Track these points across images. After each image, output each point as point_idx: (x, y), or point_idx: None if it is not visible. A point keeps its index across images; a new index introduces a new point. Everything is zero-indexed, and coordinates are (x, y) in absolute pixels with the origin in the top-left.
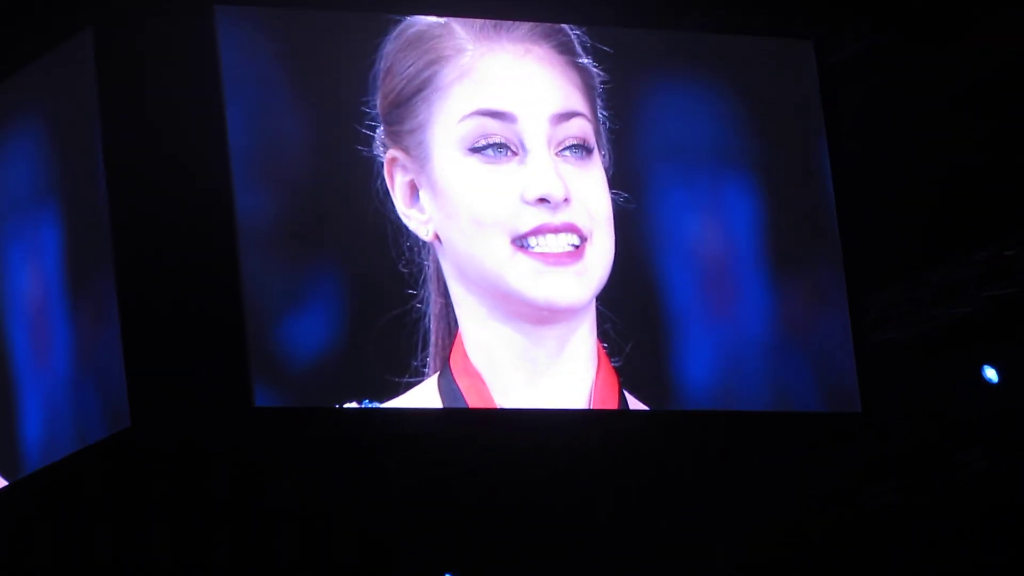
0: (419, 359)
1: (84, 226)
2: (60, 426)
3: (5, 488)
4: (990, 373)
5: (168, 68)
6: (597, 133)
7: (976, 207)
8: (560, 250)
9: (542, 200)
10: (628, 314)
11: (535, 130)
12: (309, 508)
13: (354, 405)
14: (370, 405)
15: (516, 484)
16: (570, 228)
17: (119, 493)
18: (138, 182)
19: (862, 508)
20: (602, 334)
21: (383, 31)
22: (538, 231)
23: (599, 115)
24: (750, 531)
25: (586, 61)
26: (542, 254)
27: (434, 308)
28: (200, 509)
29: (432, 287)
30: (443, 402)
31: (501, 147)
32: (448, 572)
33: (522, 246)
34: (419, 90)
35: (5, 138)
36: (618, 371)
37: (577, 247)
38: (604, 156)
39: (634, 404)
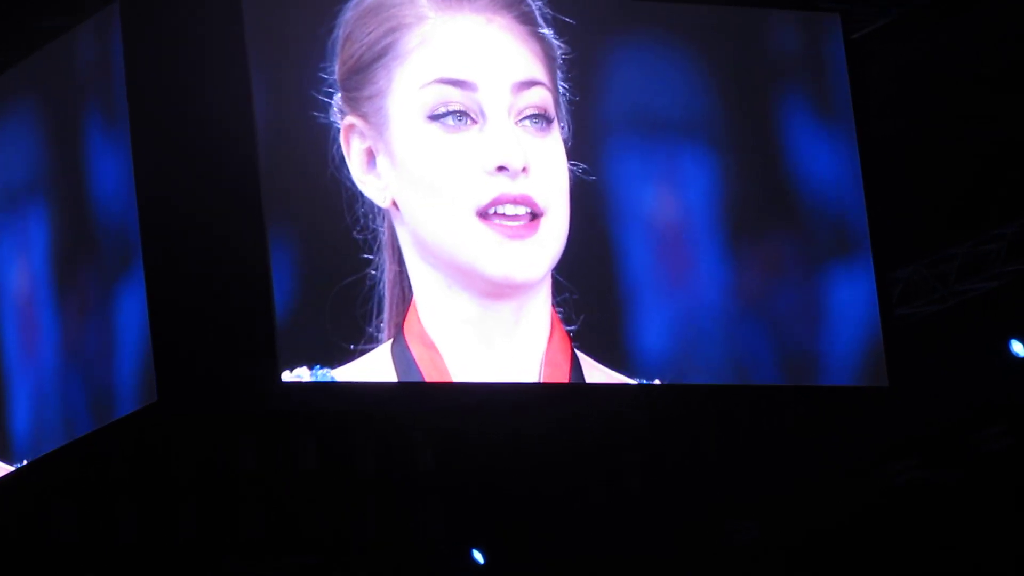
0: (373, 325)
1: (70, 222)
2: (48, 416)
3: (29, 464)
4: (1017, 347)
5: (193, 40)
6: (556, 104)
7: (1002, 181)
8: (517, 221)
9: (501, 168)
10: (586, 284)
11: (496, 98)
12: (333, 482)
13: (304, 370)
14: (321, 370)
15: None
16: (525, 200)
17: (145, 467)
18: (163, 156)
19: (885, 485)
20: (559, 303)
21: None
22: (497, 202)
23: (559, 87)
24: (770, 507)
25: (547, 32)
26: (501, 226)
27: (388, 275)
28: (226, 483)
29: (387, 254)
30: (396, 369)
31: (461, 115)
32: (473, 548)
33: (482, 215)
34: (379, 57)
35: (4, 126)
36: (572, 336)
37: (533, 217)
38: (563, 127)
39: (588, 365)
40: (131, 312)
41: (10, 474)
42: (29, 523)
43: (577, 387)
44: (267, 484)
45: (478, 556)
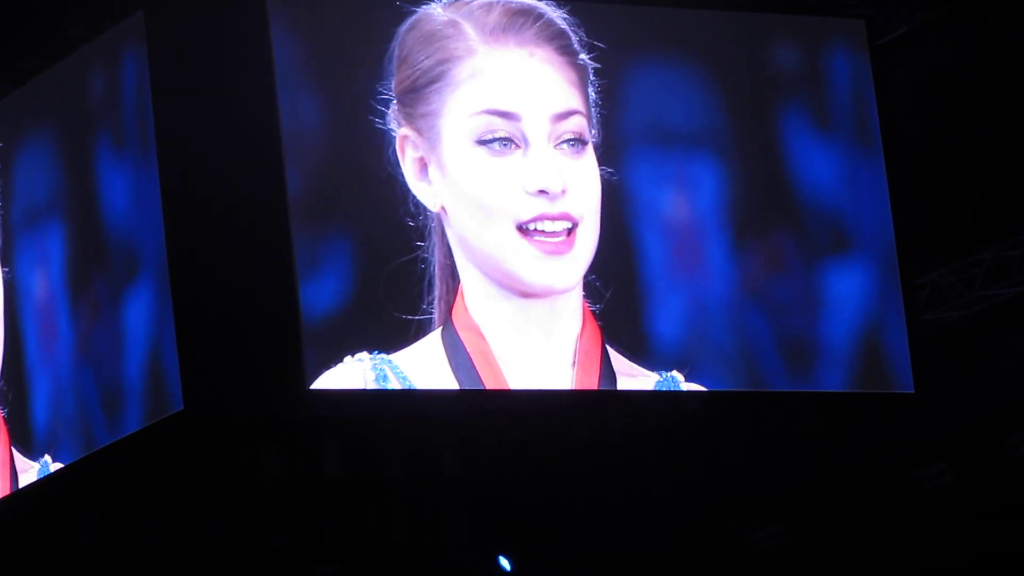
0: (426, 302)
1: (83, 237)
2: (64, 407)
3: (57, 472)
4: None
5: (219, 49)
6: (590, 124)
7: None
8: (556, 238)
9: (542, 192)
10: (612, 278)
11: (537, 127)
12: (361, 488)
13: (365, 354)
14: (379, 355)
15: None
16: (565, 217)
17: (171, 475)
18: (188, 162)
19: (913, 490)
20: (589, 295)
21: (399, 20)
22: (538, 219)
23: (591, 103)
24: (796, 512)
25: (584, 59)
26: (541, 242)
27: (439, 257)
28: (251, 490)
29: (436, 240)
30: (446, 353)
31: (506, 141)
32: (500, 554)
33: (523, 231)
34: (432, 82)
35: (26, 150)
36: (601, 328)
37: (570, 231)
38: (594, 135)
39: (615, 355)
40: (137, 316)
41: (38, 481)
42: (56, 530)
43: (603, 393)
44: (293, 491)
45: (504, 563)
